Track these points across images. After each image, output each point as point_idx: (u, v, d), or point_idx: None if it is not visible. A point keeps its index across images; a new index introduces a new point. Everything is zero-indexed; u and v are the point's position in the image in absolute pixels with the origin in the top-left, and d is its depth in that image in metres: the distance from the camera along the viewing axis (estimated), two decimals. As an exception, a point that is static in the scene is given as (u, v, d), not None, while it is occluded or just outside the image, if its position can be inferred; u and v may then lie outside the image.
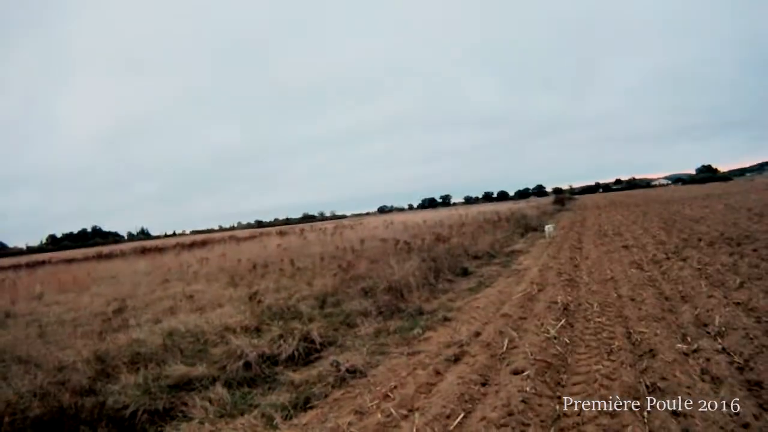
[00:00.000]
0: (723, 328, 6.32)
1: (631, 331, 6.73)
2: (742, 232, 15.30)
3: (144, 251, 40.19)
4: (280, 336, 7.64)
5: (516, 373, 5.53)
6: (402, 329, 8.27)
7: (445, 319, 8.79)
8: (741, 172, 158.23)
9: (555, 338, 6.74)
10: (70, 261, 37.65)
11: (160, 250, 39.85)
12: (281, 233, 44.97)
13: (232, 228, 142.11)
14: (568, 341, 6.68)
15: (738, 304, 7.43)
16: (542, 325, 7.37)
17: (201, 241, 49.70)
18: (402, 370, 6.32)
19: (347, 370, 6.38)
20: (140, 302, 12.86)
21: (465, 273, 13.70)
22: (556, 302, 8.63)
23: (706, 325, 6.61)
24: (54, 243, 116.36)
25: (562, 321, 7.45)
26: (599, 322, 7.38)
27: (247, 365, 6.78)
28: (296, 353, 7.24)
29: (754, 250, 11.78)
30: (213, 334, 8.33)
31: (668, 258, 12.28)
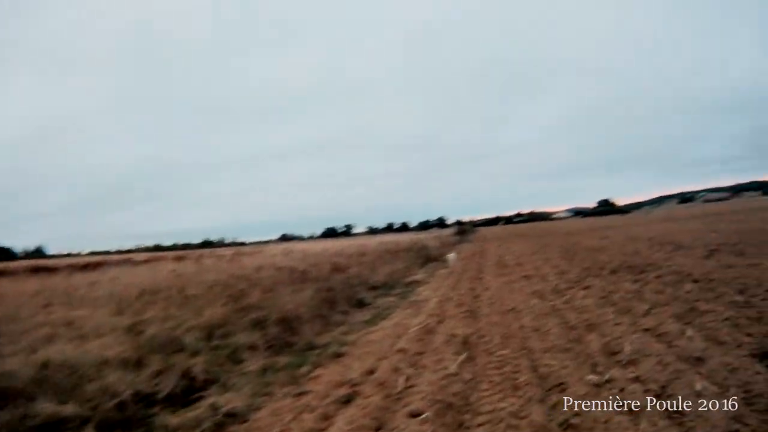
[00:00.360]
0: (634, 356, 6.24)
1: (537, 363, 6.49)
2: (644, 260, 15.98)
3: (35, 271, 37.44)
4: (160, 372, 7.18)
5: (413, 415, 5.11)
6: (290, 366, 7.91)
7: (337, 354, 8.37)
8: (639, 206, 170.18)
9: (455, 375, 6.38)
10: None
11: (52, 270, 37.22)
12: (179, 258, 43.32)
13: (131, 251, 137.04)
14: (469, 377, 6.33)
15: (647, 330, 7.48)
16: (441, 360, 7.03)
17: (96, 262, 47.26)
18: (287, 414, 5.79)
19: (227, 414, 5.91)
20: (18, 328, 11.57)
21: (361, 304, 13.35)
22: (455, 335, 8.34)
23: (616, 354, 6.51)
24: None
25: (463, 355, 7.11)
26: (502, 355, 7.10)
27: (122, 405, 6.21)
28: (175, 392, 6.79)
29: (658, 277, 12.21)
30: (90, 367, 7.51)
31: (570, 287, 12.47)
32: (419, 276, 19.72)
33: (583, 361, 6.36)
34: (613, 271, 14.26)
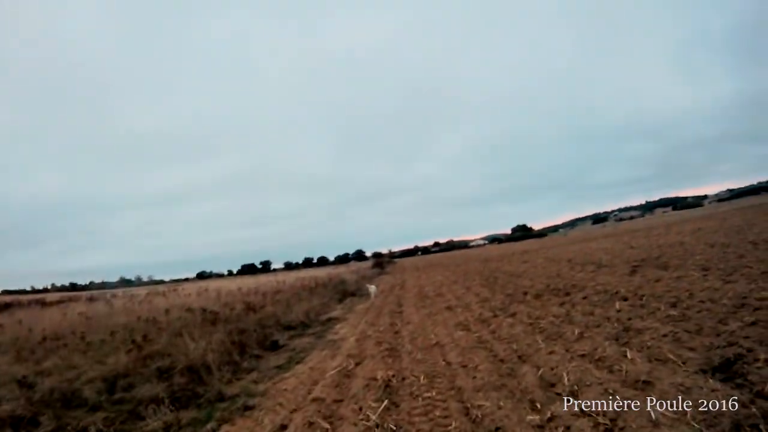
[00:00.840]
0: (575, 386, 5.70)
1: (469, 405, 5.81)
2: (568, 281, 15.80)
3: None
4: None
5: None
6: (196, 422, 7.21)
7: (247, 407, 7.51)
8: (555, 229, 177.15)
9: (377, 426, 5.63)
10: None
11: None
12: (91, 299, 43.60)
13: (45, 290, 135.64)
14: (393, 427, 5.58)
15: (583, 356, 7.00)
16: (361, 409, 6.26)
17: (3, 303, 45.80)
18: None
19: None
20: None
21: (275, 347, 12.48)
22: (375, 378, 7.54)
23: (554, 386, 5.96)
24: None
25: (385, 402, 6.33)
26: (429, 398, 6.36)
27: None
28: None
29: (584, 298, 11.93)
30: None
31: (496, 315, 11.95)
32: (337, 312, 18.96)
33: (520, 399, 5.72)
34: (538, 296, 13.90)
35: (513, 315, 11.51)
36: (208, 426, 6.86)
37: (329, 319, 17.03)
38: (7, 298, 64.88)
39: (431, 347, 9.57)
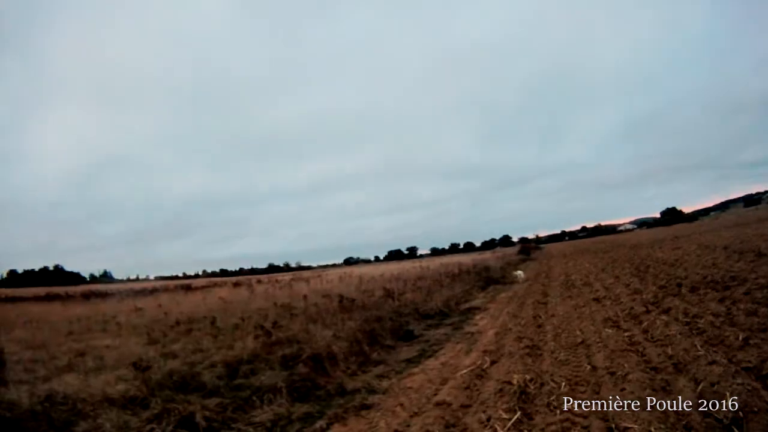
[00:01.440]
0: (740, 413, 4.89)
1: (614, 426, 5.16)
2: (726, 273, 14.34)
3: (87, 296, 40.68)
4: (159, 415, 6.74)
5: None
6: (307, 417, 7.02)
7: (364, 405, 7.22)
8: (705, 212, 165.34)
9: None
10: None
11: (103, 295, 40.15)
12: (237, 284, 45.62)
13: (196, 276, 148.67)
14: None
15: (749, 369, 6.09)
16: (489, 420, 5.81)
17: (151, 288, 51.17)
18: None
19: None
20: (41, 355, 11.99)
21: (409, 337, 12.27)
22: (511, 382, 7.01)
23: (715, 410, 5.13)
24: (13, 279, 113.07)
25: (518, 413, 5.82)
26: (569, 411, 5.79)
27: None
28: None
29: (746, 294, 10.74)
30: (90, 404, 7.21)
31: (648, 311, 11.01)
32: (478, 301, 18.50)
33: (674, 424, 5.01)
34: (694, 288, 12.72)
35: (667, 311, 10.53)
36: (317, 424, 6.63)
37: (469, 309, 16.66)
38: (157, 284, 70.17)
39: (576, 346, 8.95)
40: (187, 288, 46.77)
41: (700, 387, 5.78)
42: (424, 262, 59.21)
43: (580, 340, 9.36)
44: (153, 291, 43.46)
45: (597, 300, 14.01)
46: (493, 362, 8.58)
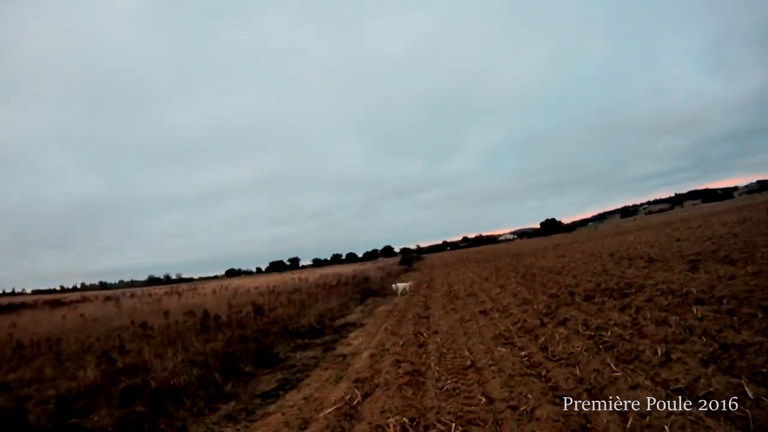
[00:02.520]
0: None
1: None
2: (620, 279, 13.76)
3: None
4: None
5: None
6: None
7: None
8: (583, 223, 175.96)
9: None
10: None
11: None
12: (108, 298, 45.15)
13: (74, 288, 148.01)
14: None
15: (680, 391, 4.89)
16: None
17: (19, 303, 48.95)
18: None
19: None
20: None
21: (273, 362, 10.49)
22: (386, 426, 5.29)
23: None
24: None
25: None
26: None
27: None
28: None
29: (648, 301, 9.89)
30: None
31: (543, 323, 9.80)
32: (354, 316, 17.07)
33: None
34: (589, 297, 11.77)
35: (564, 323, 9.38)
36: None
37: (344, 325, 15.06)
38: (28, 299, 65.68)
39: (465, 370, 7.46)
40: (56, 303, 43.89)
41: (629, 423, 4.38)
42: (305, 274, 60.34)
43: (469, 362, 7.85)
44: (20, 306, 40.93)
45: (484, 312, 12.72)
46: (365, 395, 6.82)
